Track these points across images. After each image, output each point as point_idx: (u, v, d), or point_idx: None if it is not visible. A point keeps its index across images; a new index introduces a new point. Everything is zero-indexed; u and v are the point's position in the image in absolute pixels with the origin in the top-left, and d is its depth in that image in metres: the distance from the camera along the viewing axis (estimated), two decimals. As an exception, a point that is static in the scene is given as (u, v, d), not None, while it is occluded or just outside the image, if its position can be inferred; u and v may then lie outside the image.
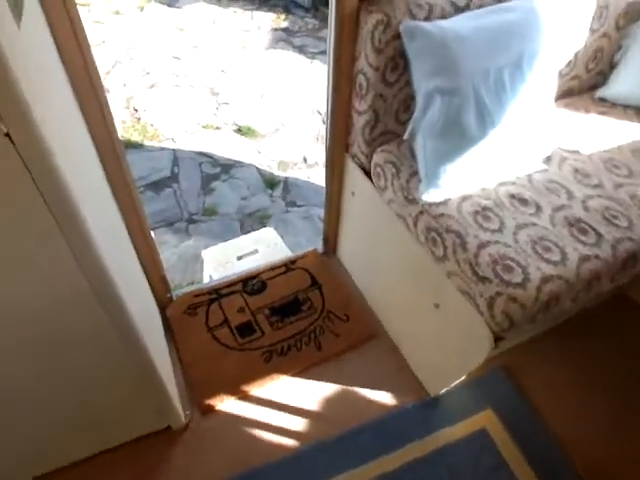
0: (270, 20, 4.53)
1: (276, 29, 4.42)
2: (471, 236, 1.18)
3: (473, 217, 1.23)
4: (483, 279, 1.13)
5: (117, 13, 4.44)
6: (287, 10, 4.73)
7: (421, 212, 1.28)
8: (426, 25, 1.22)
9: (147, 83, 3.55)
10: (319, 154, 3.03)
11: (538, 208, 1.27)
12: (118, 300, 0.93)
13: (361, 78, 1.34)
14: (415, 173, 1.32)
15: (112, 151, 1.24)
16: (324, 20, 4.48)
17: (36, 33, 0.85)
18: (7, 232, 0.75)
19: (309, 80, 3.72)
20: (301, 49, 4.15)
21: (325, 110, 1.51)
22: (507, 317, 1.10)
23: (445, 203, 1.27)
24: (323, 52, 4.04)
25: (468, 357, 1.29)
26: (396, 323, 1.67)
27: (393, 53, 1.27)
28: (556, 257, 1.16)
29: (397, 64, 1.30)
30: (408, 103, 1.39)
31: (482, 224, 1.22)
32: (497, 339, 1.18)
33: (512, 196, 1.30)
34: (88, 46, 1.05)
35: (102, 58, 3.78)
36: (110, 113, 1.19)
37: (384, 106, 1.37)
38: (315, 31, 4.46)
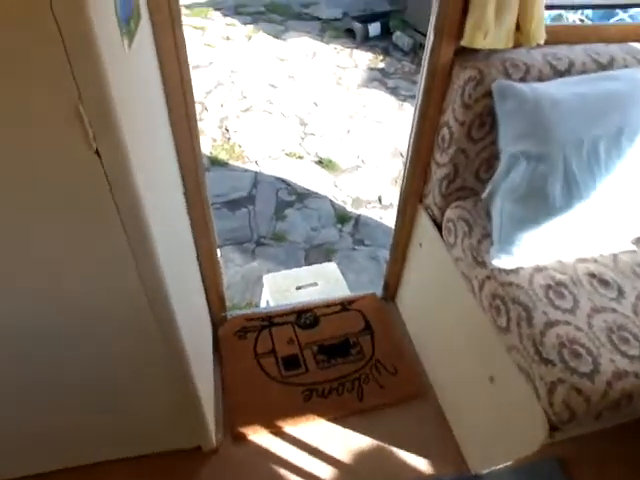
0: (368, 59, 4.64)
1: (372, 69, 4.51)
2: (539, 311, 1.10)
3: (544, 291, 1.15)
4: (546, 361, 1.04)
5: (227, 39, 4.74)
6: (386, 52, 4.82)
7: (488, 277, 1.21)
8: (520, 86, 1.18)
9: (242, 106, 3.74)
10: (395, 196, 3.00)
11: (620, 293, 1.16)
12: (169, 313, 0.96)
13: (445, 131, 1.32)
14: (488, 235, 1.26)
15: (194, 169, 1.30)
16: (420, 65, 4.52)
17: (143, 53, 0.92)
18: (81, 235, 0.80)
19: (397, 122, 3.73)
20: (393, 90, 4.20)
21: (406, 155, 1.50)
22: (567, 408, 1.00)
23: (516, 271, 1.19)
24: (415, 96, 4.06)
25: (519, 442, 1.19)
26: (446, 387, 1.58)
27: (482, 110, 1.23)
28: (634, 351, 1.04)
29: (484, 122, 1.26)
30: (491, 162, 1.34)
31: (553, 300, 1.13)
32: (553, 428, 1.07)
33: (592, 275, 1.20)
34: (187, 68, 1.10)
35: (206, 78, 4.04)
36: (197, 133, 1.25)
37: (465, 162, 1.33)
38: (410, 74, 4.49)
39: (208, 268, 1.55)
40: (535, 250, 1.20)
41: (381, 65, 4.58)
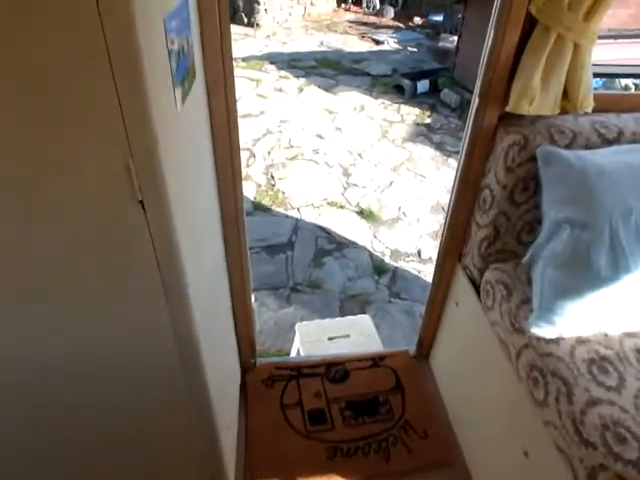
0: (415, 114, 4.73)
1: (419, 124, 4.58)
2: (580, 387, 1.04)
3: (587, 366, 1.08)
4: (587, 443, 0.97)
5: (280, 90, 4.96)
6: (433, 108, 4.91)
7: (527, 345, 1.16)
8: (566, 153, 1.16)
9: (289, 155, 3.85)
10: (434, 251, 2.97)
11: (672, 374, 1.08)
12: (198, 368, 0.96)
13: (486, 193, 1.31)
14: (527, 301, 1.22)
15: (234, 216, 1.34)
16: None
17: (194, 107, 0.97)
18: (116, 273, 0.82)
19: (441, 176, 3.74)
20: (439, 145, 4.23)
21: (446, 213, 1.49)
22: (610, 498, 0.92)
23: (556, 342, 1.14)
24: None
25: (555, 528, 1.10)
26: (477, 457, 1.49)
27: (525, 175, 1.22)
28: (687, 441, 0.96)
29: (527, 186, 1.24)
30: (533, 226, 1.32)
31: (597, 377, 1.06)
32: (594, 518, 0.99)
33: (640, 352, 1.13)
34: (236, 121, 1.16)
35: (256, 127, 4.21)
36: (241, 181, 1.29)
37: (506, 224, 1.31)
38: (456, 131, 4.53)
39: (241, 313, 1.56)
40: (578, 320, 1.15)
41: (428, 121, 4.65)
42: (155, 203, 0.70)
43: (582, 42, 1.13)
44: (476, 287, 1.43)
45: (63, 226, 0.74)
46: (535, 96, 1.16)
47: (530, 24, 1.14)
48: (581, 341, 1.14)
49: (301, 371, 1.73)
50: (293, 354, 2.06)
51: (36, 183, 0.68)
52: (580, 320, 1.15)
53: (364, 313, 2.37)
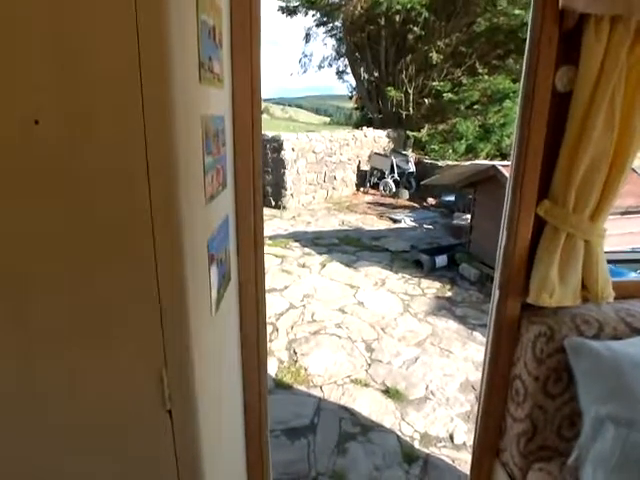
0: (435, 288, 4.82)
1: (440, 297, 4.64)
2: None
3: None
4: None
5: (303, 266, 5.20)
6: (453, 281, 5.02)
7: None
8: (595, 344, 1.15)
9: (311, 329, 3.87)
10: (468, 434, 2.75)
11: None
12: None
13: (518, 384, 1.26)
14: (581, 512, 1.09)
15: (258, 430, 1.30)
16: (489, 295, 4.60)
17: (226, 311, 1.02)
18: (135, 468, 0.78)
19: (467, 351, 3.65)
20: (462, 319, 4.21)
21: (477, 405, 1.42)
22: None
23: None
24: (484, 325, 4.04)
25: None
26: None
27: (556, 365, 1.19)
28: None
29: (560, 377, 1.20)
30: (573, 419, 1.24)
31: None
32: None
33: None
34: (264, 326, 1.20)
35: (280, 301, 4.32)
36: (266, 386, 1.28)
37: (544, 418, 1.23)
38: (478, 304, 4.55)
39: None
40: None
41: (449, 294, 4.71)
42: (183, 413, 0.70)
43: (592, 239, 1.20)
44: (520, 489, 1.29)
45: (88, 433, 0.73)
46: (554, 289, 1.19)
47: (540, 223, 1.23)
48: None
49: None
50: None
51: (68, 393, 0.69)
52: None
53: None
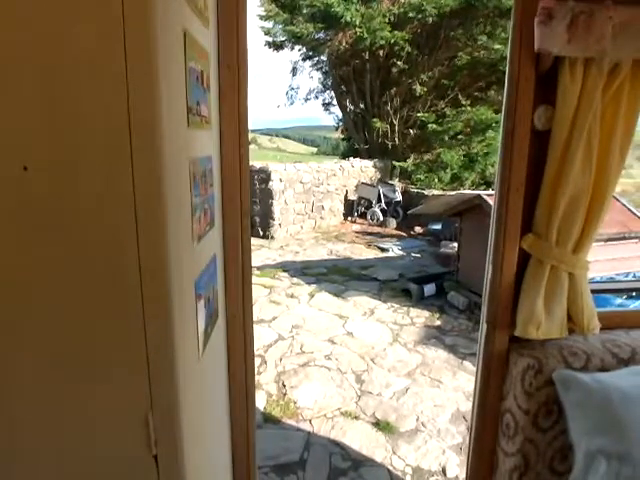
0: (424, 317, 4.82)
1: (429, 326, 4.64)
2: None
3: None
4: None
5: (291, 296, 5.18)
6: (442, 310, 5.02)
7: None
8: (582, 376, 1.15)
9: (300, 361, 3.83)
10: (461, 467, 2.71)
11: None
12: None
13: (509, 417, 1.26)
14: None
15: (246, 469, 1.27)
16: (478, 322, 4.61)
17: (213, 350, 1.01)
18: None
19: (457, 381, 3.63)
20: (452, 348, 4.20)
21: (468, 441, 1.41)
22: None
23: None
24: (474, 354, 4.03)
25: None
26: None
27: (546, 399, 1.19)
28: None
29: (551, 410, 1.20)
30: (565, 452, 1.23)
31: None
32: None
33: None
34: (252, 357, 1.19)
35: (268, 333, 4.28)
36: (254, 407, 1.26)
37: (535, 452, 1.22)
38: (467, 332, 4.55)
39: None
40: None
41: (438, 323, 4.71)
42: (169, 458, 0.68)
43: (575, 272, 1.22)
44: (514, 527, 1.27)
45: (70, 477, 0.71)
46: (541, 321, 1.20)
47: (524, 257, 1.25)
48: None
49: None
50: None
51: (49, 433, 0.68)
52: None
53: None
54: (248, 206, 1.08)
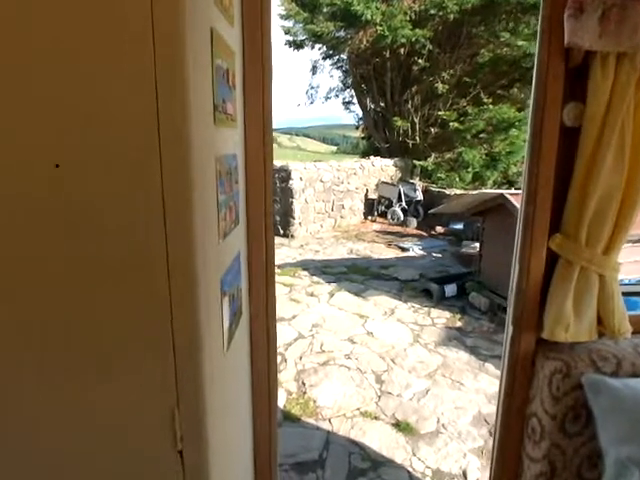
0: (445, 318, 4.77)
1: (450, 327, 4.58)
2: None
3: None
4: None
5: (311, 295, 5.18)
6: (463, 311, 4.96)
7: None
8: (613, 382, 1.12)
9: (320, 360, 3.82)
10: (482, 471, 2.67)
11: None
12: None
13: (535, 422, 1.23)
14: None
15: (268, 465, 1.27)
16: (500, 324, 4.53)
17: (238, 345, 1.01)
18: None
19: (479, 383, 3.58)
20: (473, 350, 4.15)
21: (493, 428, 1.38)
22: None
23: None
24: (496, 356, 3.97)
25: None
26: None
27: (574, 403, 1.16)
28: None
29: (579, 415, 1.17)
30: (593, 460, 1.20)
31: None
32: None
33: None
34: (275, 357, 1.19)
35: (288, 331, 4.29)
36: (276, 405, 1.26)
37: (562, 458, 1.20)
38: (489, 334, 4.49)
39: None
40: None
41: (459, 324, 4.66)
42: (195, 454, 0.68)
43: (606, 273, 1.19)
44: (539, 534, 1.24)
45: (101, 462, 0.72)
46: (569, 323, 1.17)
47: (552, 257, 1.22)
48: None
49: None
50: None
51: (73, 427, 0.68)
52: None
53: None
54: (271, 205, 1.08)
